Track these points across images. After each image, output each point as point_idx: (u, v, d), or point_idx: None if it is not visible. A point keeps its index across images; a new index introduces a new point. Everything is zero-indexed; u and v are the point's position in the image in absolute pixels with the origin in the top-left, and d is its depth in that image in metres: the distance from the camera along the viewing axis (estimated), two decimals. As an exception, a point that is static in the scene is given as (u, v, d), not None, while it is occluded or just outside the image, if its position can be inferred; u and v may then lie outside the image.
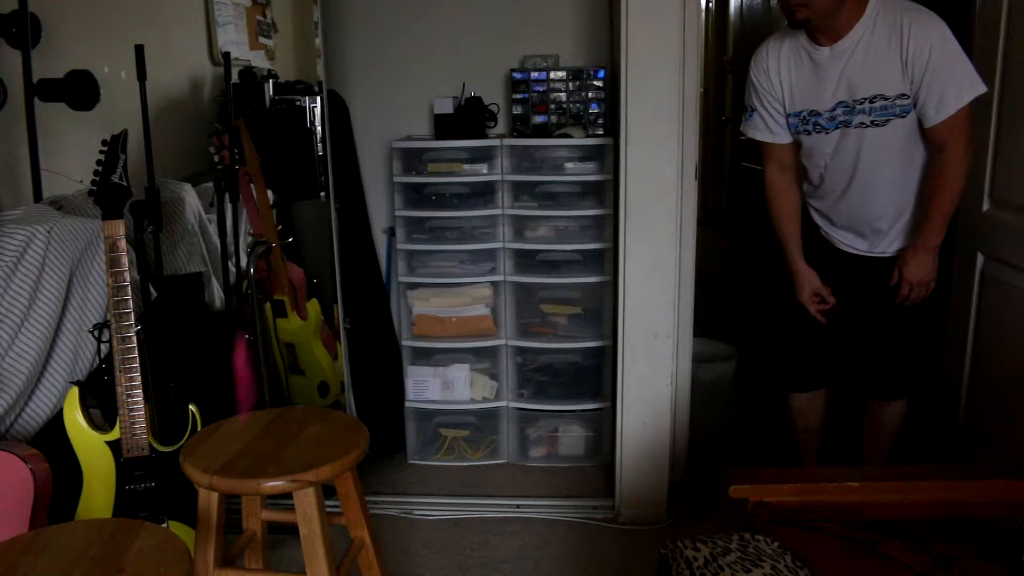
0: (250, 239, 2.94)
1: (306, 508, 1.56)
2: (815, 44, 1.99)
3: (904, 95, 1.93)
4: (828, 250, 2.22)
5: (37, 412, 2.11)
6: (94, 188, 2.00)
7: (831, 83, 1.99)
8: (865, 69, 1.95)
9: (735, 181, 4.36)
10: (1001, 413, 2.27)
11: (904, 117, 1.95)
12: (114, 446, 1.97)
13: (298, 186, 3.06)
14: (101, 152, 2.02)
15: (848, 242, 2.18)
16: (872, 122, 1.98)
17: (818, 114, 2.04)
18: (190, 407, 2.04)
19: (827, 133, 2.05)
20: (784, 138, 2.15)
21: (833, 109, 2.01)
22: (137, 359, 1.95)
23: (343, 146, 2.92)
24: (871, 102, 1.96)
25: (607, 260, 2.76)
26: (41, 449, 1.86)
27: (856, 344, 2.24)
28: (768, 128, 2.15)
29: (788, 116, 2.11)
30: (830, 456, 2.46)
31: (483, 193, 2.81)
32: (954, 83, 1.88)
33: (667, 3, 2.24)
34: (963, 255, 2.41)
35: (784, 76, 2.07)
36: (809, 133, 2.08)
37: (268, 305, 2.93)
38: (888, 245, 2.13)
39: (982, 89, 1.90)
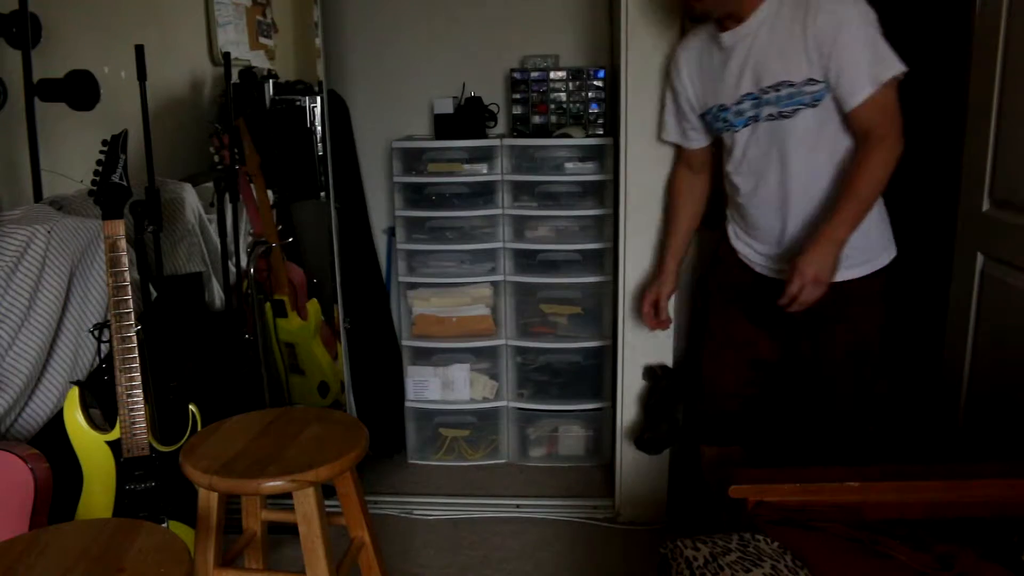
0: (250, 239, 2.94)
1: (306, 508, 1.56)
2: (721, 31, 1.85)
3: (813, 80, 1.73)
4: (752, 280, 1.98)
5: (37, 412, 2.11)
6: (94, 188, 2.00)
7: (736, 70, 1.83)
8: (770, 53, 1.77)
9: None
10: (1001, 413, 2.27)
11: (815, 106, 1.75)
12: (114, 446, 1.97)
13: (298, 186, 3.06)
14: (101, 152, 2.02)
15: (767, 265, 1.95)
16: (780, 113, 1.79)
17: (725, 108, 1.87)
18: (190, 407, 2.04)
19: (736, 131, 1.88)
20: (697, 142, 2.03)
21: (740, 102, 1.84)
22: (137, 359, 1.95)
23: (343, 146, 2.92)
24: (776, 90, 1.77)
25: (607, 260, 2.76)
26: (41, 449, 1.86)
27: (786, 397, 2.00)
28: (680, 129, 2.04)
29: (702, 116, 1.97)
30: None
31: (483, 193, 2.81)
32: (868, 60, 1.69)
33: (667, 3, 2.24)
34: (963, 255, 2.41)
35: (694, 72, 1.95)
36: (721, 131, 1.93)
37: (268, 305, 2.93)
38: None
39: (901, 68, 1.70)
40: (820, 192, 1.82)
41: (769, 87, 1.78)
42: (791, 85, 1.76)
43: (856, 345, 1.89)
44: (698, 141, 2.04)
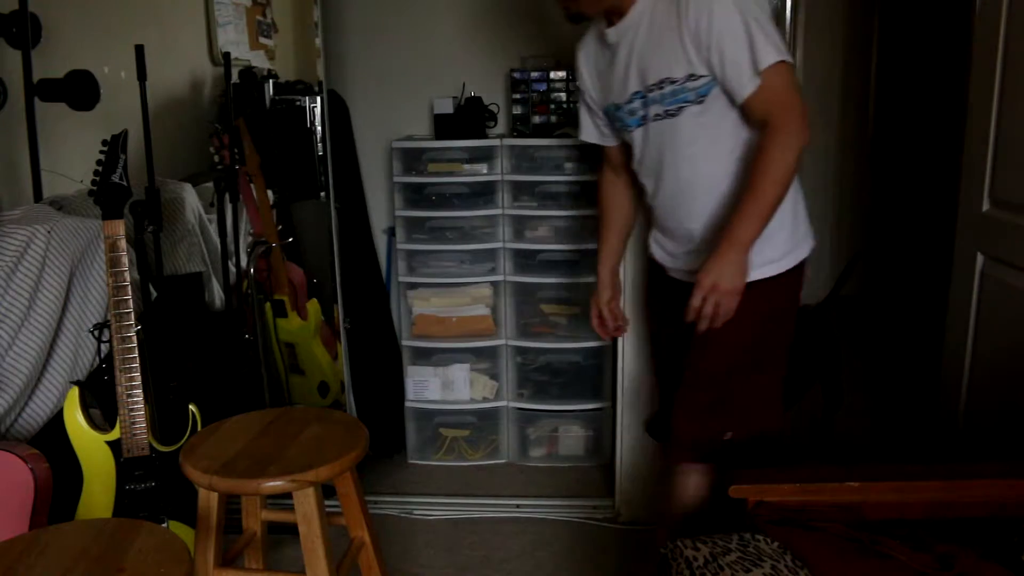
0: (250, 239, 2.95)
1: (306, 508, 1.56)
2: (608, 27, 1.76)
3: (694, 76, 1.62)
4: (671, 288, 1.88)
5: (37, 412, 2.11)
6: (94, 188, 2.00)
7: (622, 68, 1.73)
8: (649, 48, 1.67)
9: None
10: (1001, 413, 2.27)
11: (701, 103, 1.64)
12: (114, 446, 1.97)
13: (298, 186, 3.06)
14: (101, 152, 2.02)
15: (678, 267, 1.86)
16: (666, 112, 1.68)
17: (619, 107, 1.78)
18: (190, 407, 2.04)
19: (631, 131, 1.78)
20: (610, 140, 1.93)
21: (630, 101, 1.74)
22: (137, 359, 1.95)
23: (343, 146, 2.92)
24: (660, 88, 1.67)
25: (607, 260, 2.76)
26: (41, 449, 1.86)
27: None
28: (595, 127, 1.93)
29: (605, 114, 1.87)
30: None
31: (483, 193, 2.81)
32: (748, 50, 1.55)
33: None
34: (963, 255, 2.42)
35: (592, 71, 1.86)
36: (621, 130, 1.84)
37: (268, 305, 2.93)
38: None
39: (787, 58, 1.57)
40: (726, 191, 1.70)
41: (653, 85, 1.68)
42: (673, 82, 1.65)
43: (742, 343, 1.73)
44: (611, 139, 1.93)
